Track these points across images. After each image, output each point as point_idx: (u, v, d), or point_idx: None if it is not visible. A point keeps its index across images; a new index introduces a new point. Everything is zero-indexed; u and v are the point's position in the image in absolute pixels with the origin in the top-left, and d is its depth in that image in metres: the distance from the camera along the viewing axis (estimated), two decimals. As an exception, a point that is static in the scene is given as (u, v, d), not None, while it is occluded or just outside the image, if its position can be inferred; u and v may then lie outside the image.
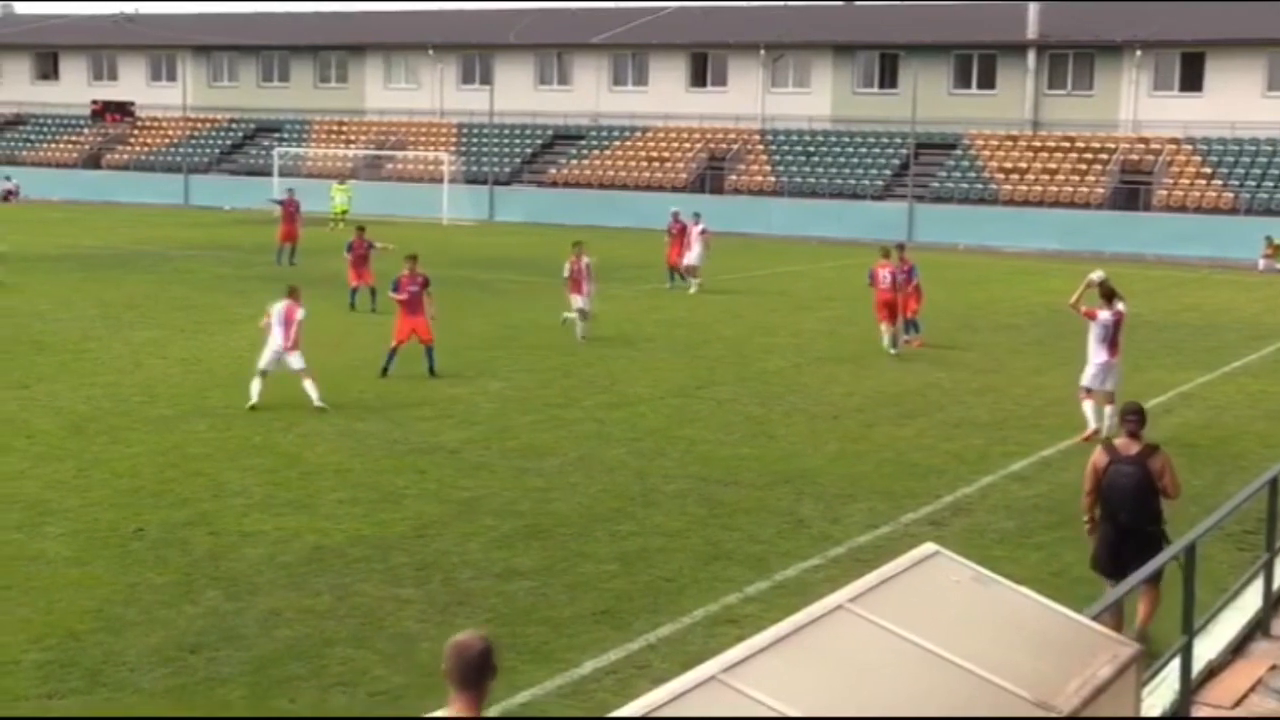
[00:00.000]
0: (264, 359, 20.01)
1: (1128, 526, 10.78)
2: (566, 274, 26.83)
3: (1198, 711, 9.03)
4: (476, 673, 5.51)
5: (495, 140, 66.39)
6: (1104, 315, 19.06)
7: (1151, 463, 10.87)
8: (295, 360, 19.94)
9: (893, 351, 25.43)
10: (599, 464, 16.64)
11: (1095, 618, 6.54)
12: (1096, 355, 18.97)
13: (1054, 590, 8.77)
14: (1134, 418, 11.16)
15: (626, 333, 27.76)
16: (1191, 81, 57.16)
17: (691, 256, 35.92)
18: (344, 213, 54.27)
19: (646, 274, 37.66)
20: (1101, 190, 55.02)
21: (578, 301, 26.49)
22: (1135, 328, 28.75)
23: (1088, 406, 18.98)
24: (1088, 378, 19.03)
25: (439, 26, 74.39)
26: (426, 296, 22.81)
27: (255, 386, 19.85)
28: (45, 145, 76.55)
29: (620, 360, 24.33)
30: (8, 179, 70.46)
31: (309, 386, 19.76)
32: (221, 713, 9.48)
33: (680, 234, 36.81)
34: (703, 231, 36.40)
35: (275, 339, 20.05)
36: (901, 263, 26.28)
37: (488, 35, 71.16)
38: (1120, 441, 11.18)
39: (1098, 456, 11.13)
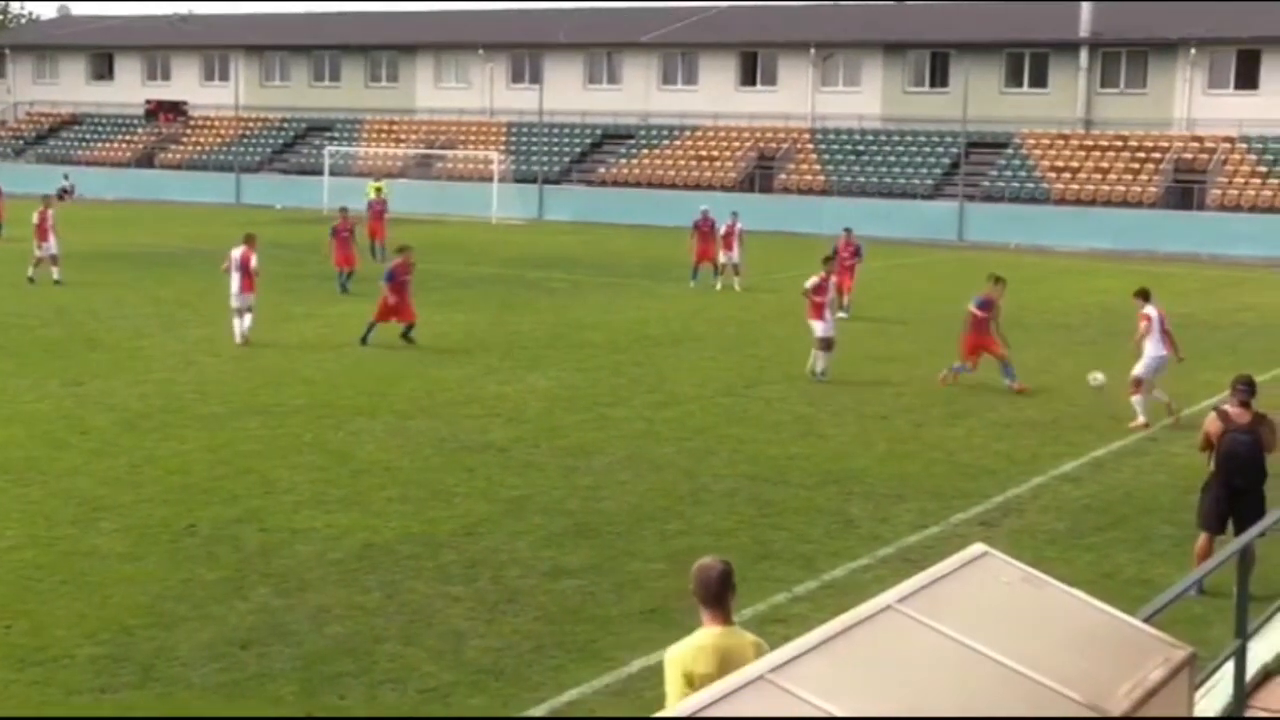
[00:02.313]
0: (232, 300, 24.66)
1: (1242, 488, 12.02)
2: (809, 286, 23.03)
3: (1251, 715, 8.94)
4: (719, 590, 6.53)
5: (545, 139, 66.53)
6: (1152, 310, 19.70)
7: (1262, 430, 12.09)
8: (247, 300, 24.48)
9: (843, 315, 28.72)
10: (647, 463, 16.64)
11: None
12: (1157, 349, 19.59)
13: (1105, 592, 8.71)
14: (1244, 388, 12.28)
15: (675, 331, 27.76)
16: (1247, 79, 56.62)
17: (734, 255, 35.80)
18: None
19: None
20: (1155, 189, 54.57)
21: (818, 329, 22.57)
22: (1189, 327, 28.52)
23: (1138, 400, 19.45)
24: (1146, 370, 19.54)
25: (489, 26, 74.65)
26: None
27: (234, 326, 24.43)
28: (100, 145, 77.31)
29: (669, 359, 24.32)
30: (65, 178, 71.23)
31: (247, 321, 24.36)
32: (273, 709, 9.53)
33: (710, 232, 36.67)
34: (742, 231, 36.30)
35: (234, 282, 24.60)
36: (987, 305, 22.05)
37: (537, 35, 71.33)
38: (1233, 411, 12.20)
39: (1213, 425, 12.21)
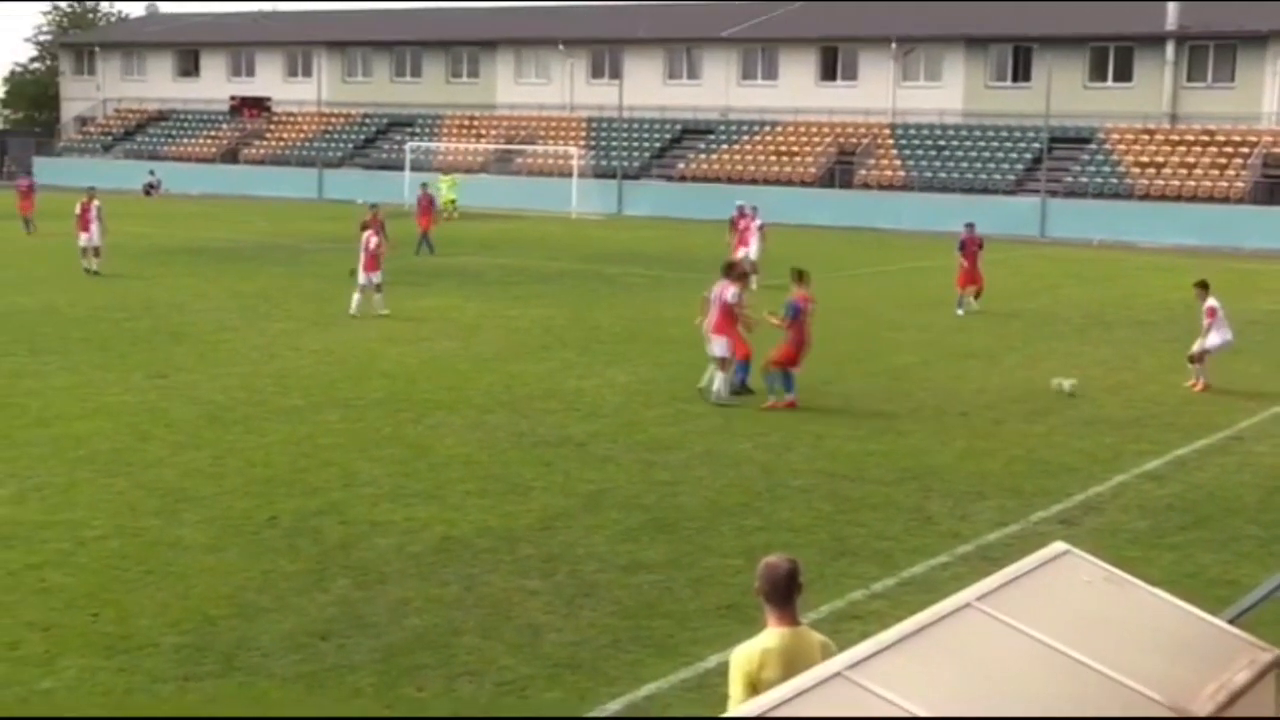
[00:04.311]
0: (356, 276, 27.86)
1: None
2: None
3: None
4: (786, 589, 6.44)
5: (624, 134, 66.62)
6: (1214, 303, 22.12)
7: None
8: (375, 277, 27.70)
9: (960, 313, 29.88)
10: (725, 458, 16.61)
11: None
12: (1224, 334, 22.05)
13: (1188, 592, 8.58)
14: None
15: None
16: (1338, 72, 55.70)
17: (750, 251, 34.61)
18: (453, 202, 55.37)
19: (771, 269, 37.46)
20: (1242, 184, 53.77)
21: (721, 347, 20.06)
22: (1278, 325, 28.06)
23: (1197, 368, 21.85)
24: (1215, 348, 22.00)
25: (569, 21, 74.86)
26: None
27: (354, 299, 27.32)
28: (186, 140, 78.38)
29: (747, 355, 24.22)
30: (151, 173, 72.26)
31: (379, 300, 27.49)
32: (352, 699, 9.62)
33: (747, 228, 35.89)
34: (760, 226, 35.87)
35: (360, 260, 28.02)
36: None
37: (617, 30, 71.45)
38: None
39: None
